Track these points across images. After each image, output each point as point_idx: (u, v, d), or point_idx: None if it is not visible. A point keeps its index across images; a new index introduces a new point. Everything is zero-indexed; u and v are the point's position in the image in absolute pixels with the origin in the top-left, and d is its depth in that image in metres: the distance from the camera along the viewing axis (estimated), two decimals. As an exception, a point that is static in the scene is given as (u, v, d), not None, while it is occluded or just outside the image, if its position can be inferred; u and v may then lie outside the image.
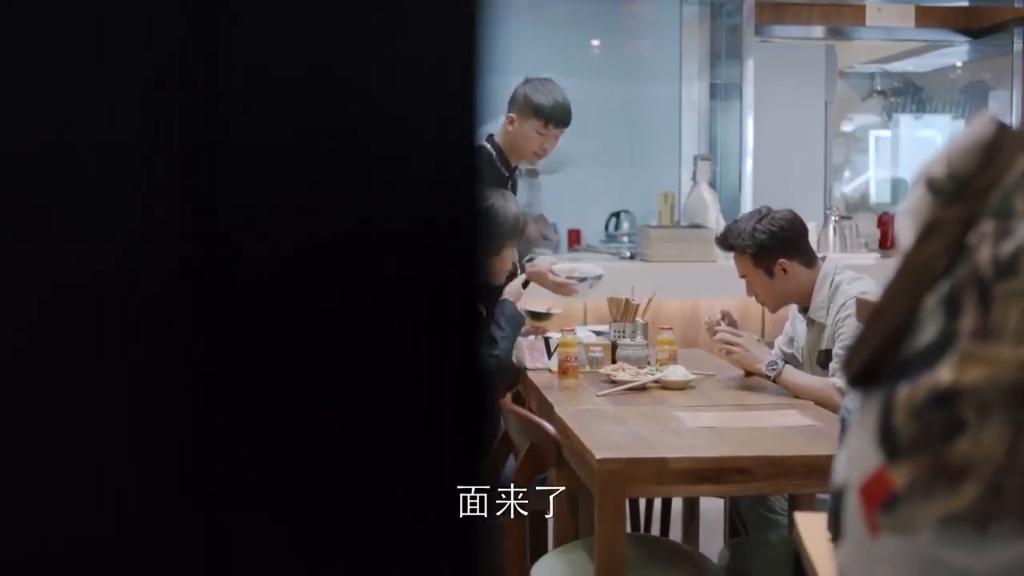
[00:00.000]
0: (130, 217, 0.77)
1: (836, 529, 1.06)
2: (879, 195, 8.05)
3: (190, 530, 0.78)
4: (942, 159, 1.08)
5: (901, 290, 1.03)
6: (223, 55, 0.76)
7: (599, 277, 3.89)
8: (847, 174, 8.00)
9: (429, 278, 0.79)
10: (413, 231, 0.79)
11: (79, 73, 0.76)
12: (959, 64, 7.79)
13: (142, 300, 0.77)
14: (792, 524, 2.99)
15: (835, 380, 3.17)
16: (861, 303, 1.92)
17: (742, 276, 3.47)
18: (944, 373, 0.94)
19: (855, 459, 1.02)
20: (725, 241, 3.49)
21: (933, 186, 1.07)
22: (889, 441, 0.97)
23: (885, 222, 5.99)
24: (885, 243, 5.88)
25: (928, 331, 0.98)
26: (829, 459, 2.49)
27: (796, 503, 2.94)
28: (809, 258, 3.42)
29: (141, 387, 0.78)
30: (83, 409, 0.77)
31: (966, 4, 6.46)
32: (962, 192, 1.03)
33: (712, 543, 3.62)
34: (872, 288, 3.21)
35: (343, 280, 0.78)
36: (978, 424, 0.91)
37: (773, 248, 3.37)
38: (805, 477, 2.53)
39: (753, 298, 3.52)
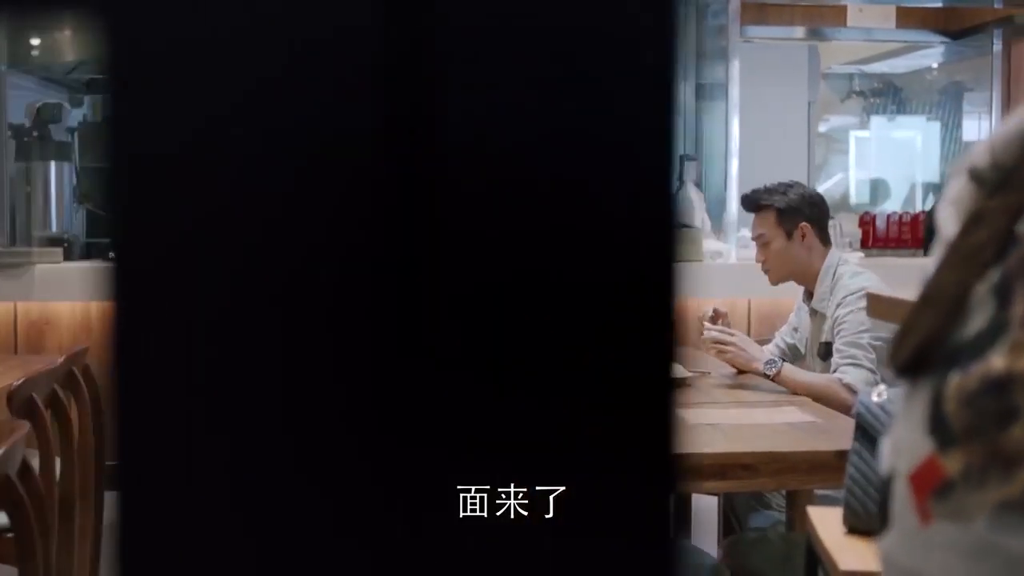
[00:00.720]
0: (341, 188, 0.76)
1: (882, 518, 1.06)
2: (859, 195, 8.10)
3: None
4: (985, 148, 1.08)
5: (948, 279, 1.03)
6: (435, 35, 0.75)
7: None
8: (823, 174, 8.05)
9: (630, 290, 0.79)
10: (614, 228, 0.79)
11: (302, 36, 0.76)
12: (935, 65, 7.85)
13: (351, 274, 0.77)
14: (791, 521, 3.02)
15: (840, 376, 3.17)
16: (872, 299, 1.92)
17: (757, 236, 3.48)
18: (996, 360, 0.94)
19: (903, 448, 1.02)
20: (750, 199, 3.51)
21: (976, 175, 1.07)
22: (940, 429, 0.97)
23: (867, 222, 6.03)
24: (867, 242, 5.92)
25: (978, 319, 0.98)
26: (831, 455, 2.52)
27: (794, 498, 2.95)
28: (826, 236, 3.47)
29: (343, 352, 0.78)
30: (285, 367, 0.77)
31: (940, 5, 6.50)
32: (1007, 181, 1.04)
33: (706, 539, 3.63)
34: (874, 283, 3.23)
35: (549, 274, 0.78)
36: (1033, 411, 0.91)
37: (800, 210, 3.42)
38: (807, 473, 2.54)
39: (758, 269, 3.53)
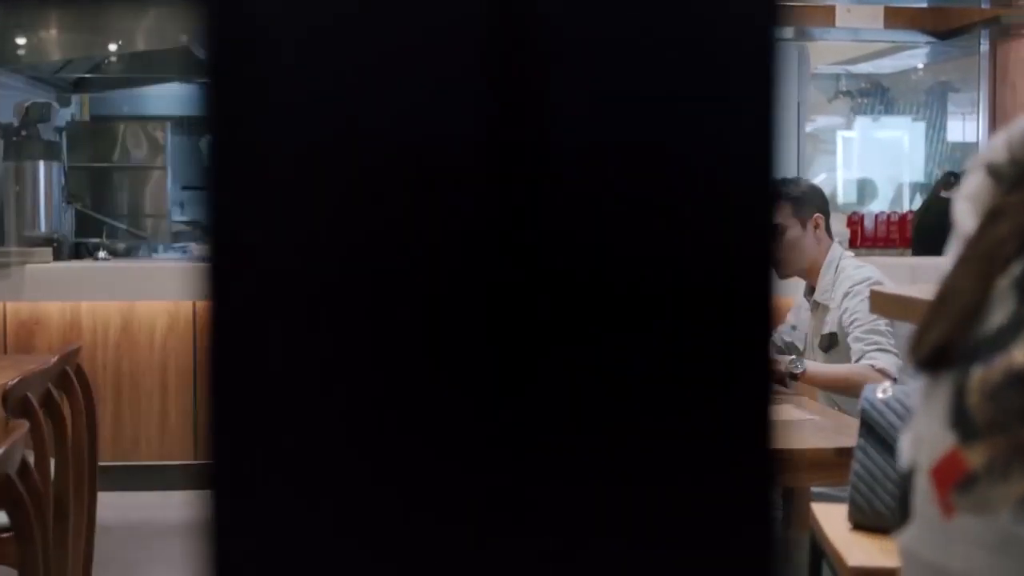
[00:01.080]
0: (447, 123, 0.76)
1: (902, 513, 1.06)
2: (846, 195, 8.12)
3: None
4: (1002, 144, 1.08)
5: (969, 274, 1.03)
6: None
7: None
8: (809, 174, 8.07)
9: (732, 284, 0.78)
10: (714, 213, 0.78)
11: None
12: (920, 66, 7.88)
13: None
14: (788, 518, 3.01)
15: (870, 362, 3.15)
16: (875, 295, 1.93)
17: None
18: (1019, 354, 0.94)
19: (924, 442, 1.02)
20: None
21: (994, 171, 1.08)
22: (963, 423, 0.97)
23: (855, 221, 6.04)
24: (856, 242, 5.93)
25: (999, 314, 0.98)
26: (831, 452, 2.51)
27: (790, 496, 2.95)
28: (830, 230, 3.51)
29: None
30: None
31: (925, 5, 6.52)
32: (1026, 177, 1.04)
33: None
34: (876, 275, 3.25)
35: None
36: (1056, 404, 0.92)
37: (813, 200, 3.45)
38: (807, 470, 2.55)
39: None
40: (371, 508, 0.77)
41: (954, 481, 0.97)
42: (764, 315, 0.78)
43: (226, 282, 0.75)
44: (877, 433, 1.90)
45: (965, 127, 7.16)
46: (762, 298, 0.78)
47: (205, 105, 0.75)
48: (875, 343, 3.18)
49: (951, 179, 6.25)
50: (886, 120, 8.29)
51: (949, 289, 1.05)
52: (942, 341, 1.02)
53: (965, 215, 1.09)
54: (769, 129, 0.79)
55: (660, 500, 0.79)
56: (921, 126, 7.97)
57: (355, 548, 0.78)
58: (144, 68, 6.91)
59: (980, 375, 0.97)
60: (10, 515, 2.19)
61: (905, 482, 1.05)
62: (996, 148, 1.09)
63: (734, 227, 0.79)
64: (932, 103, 7.87)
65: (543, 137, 0.76)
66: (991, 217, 1.05)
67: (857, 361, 3.21)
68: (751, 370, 0.79)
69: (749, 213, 0.79)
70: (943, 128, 7.70)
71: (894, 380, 2.97)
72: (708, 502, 0.80)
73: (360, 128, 0.76)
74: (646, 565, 0.79)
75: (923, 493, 1.01)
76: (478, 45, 0.75)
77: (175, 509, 4.71)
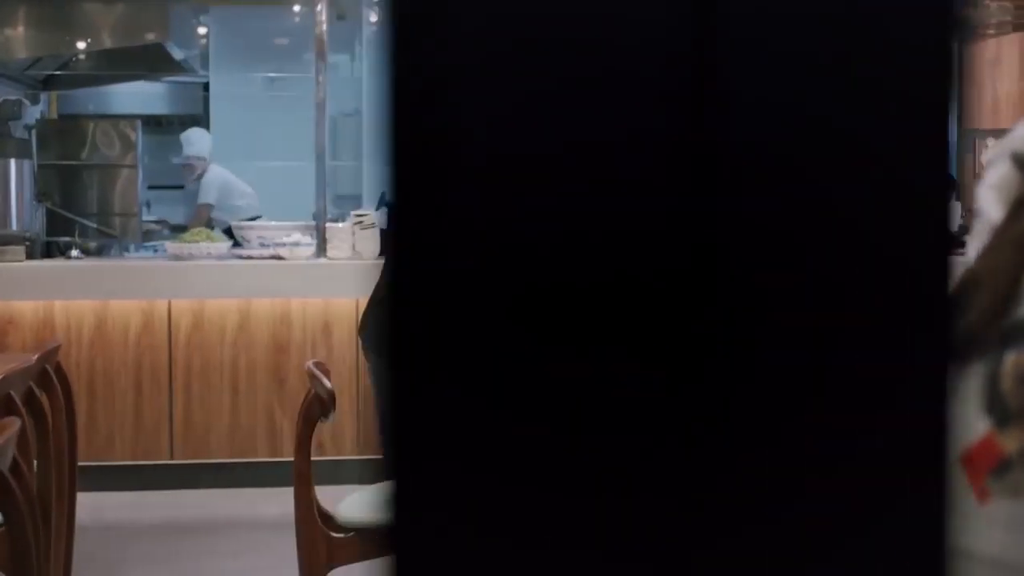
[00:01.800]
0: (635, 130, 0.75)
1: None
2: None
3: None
4: (1027, 135, 1.10)
5: (1000, 262, 1.05)
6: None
7: None
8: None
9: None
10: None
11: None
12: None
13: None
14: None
15: None
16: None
17: None
18: (1053, 341, 0.96)
19: (957, 428, 1.03)
20: None
21: (1020, 162, 1.09)
22: (997, 408, 0.98)
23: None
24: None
25: (1031, 301, 1.00)
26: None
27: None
28: None
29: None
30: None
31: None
32: (1053, 167, 1.05)
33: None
34: None
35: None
36: (1091, 389, 0.93)
37: None
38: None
39: None
40: (559, 508, 0.76)
41: (989, 466, 0.99)
42: (944, 316, 0.79)
43: (409, 280, 0.74)
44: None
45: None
46: (942, 300, 0.79)
47: (389, 95, 0.73)
48: None
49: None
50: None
51: (979, 277, 1.06)
52: (973, 328, 1.04)
53: (991, 204, 1.10)
54: (945, 136, 0.80)
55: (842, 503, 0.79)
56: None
57: (540, 551, 0.77)
58: (113, 66, 6.84)
59: (1014, 360, 0.98)
60: (4, 513, 2.16)
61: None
62: (1022, 139, 1.10)
63: (912, 232, 0.79)
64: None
65: (726, 141, 0.76)
66: (1019, 207, 1.06)
67: None
68: (929, 370, 0.79)
69: (926, 217, 0.79)
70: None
71: None
72: (885, 502, 0.80)
73: (547, 130, 0.75)
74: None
75: (956, 479, 1.02)
76: (665, 53, 0.75)
77: (151, 509, 4.68)
